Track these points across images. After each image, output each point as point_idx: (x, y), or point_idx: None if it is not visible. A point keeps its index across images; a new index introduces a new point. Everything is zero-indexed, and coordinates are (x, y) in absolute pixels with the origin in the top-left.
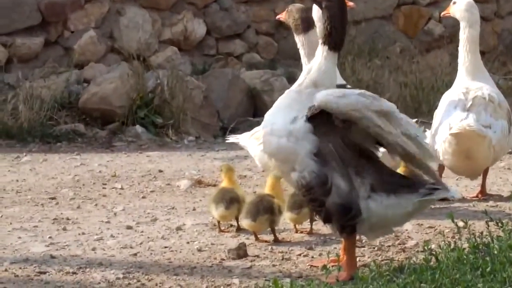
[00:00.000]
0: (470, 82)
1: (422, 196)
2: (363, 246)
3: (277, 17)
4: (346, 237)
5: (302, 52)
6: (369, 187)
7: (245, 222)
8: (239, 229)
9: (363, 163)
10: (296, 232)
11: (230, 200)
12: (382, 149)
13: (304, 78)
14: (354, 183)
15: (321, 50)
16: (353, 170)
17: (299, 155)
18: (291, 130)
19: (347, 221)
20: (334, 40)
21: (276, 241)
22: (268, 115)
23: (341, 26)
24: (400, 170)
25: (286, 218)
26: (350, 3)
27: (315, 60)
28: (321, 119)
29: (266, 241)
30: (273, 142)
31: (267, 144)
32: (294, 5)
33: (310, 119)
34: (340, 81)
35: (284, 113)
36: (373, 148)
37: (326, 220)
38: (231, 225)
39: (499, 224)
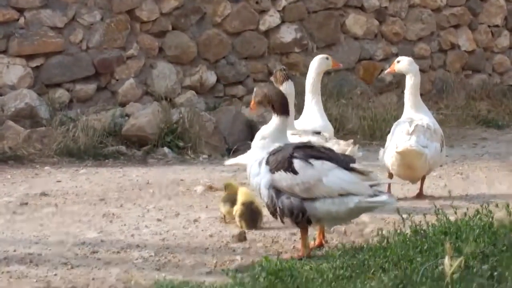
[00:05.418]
0: (413, 114)
1: (364, 198)
2: (332, 232)
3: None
4: (301, 227)
5: None
6: None
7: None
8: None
9: None
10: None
11: (233, 201)
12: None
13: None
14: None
15: (273, 117)
16: None
17: (262, 188)
18: (259, 172)
19: (295, 218)
20: (277, 110)
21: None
22: (248, 161)
23: (279, 103)
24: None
25: None
26: (340, 64)
27: (270, 122)
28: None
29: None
30: (250, 180)
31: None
32: (276, 70)
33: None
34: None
35: (255, 158)
36: None
37: (282, 220)
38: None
39: (437, 215)
